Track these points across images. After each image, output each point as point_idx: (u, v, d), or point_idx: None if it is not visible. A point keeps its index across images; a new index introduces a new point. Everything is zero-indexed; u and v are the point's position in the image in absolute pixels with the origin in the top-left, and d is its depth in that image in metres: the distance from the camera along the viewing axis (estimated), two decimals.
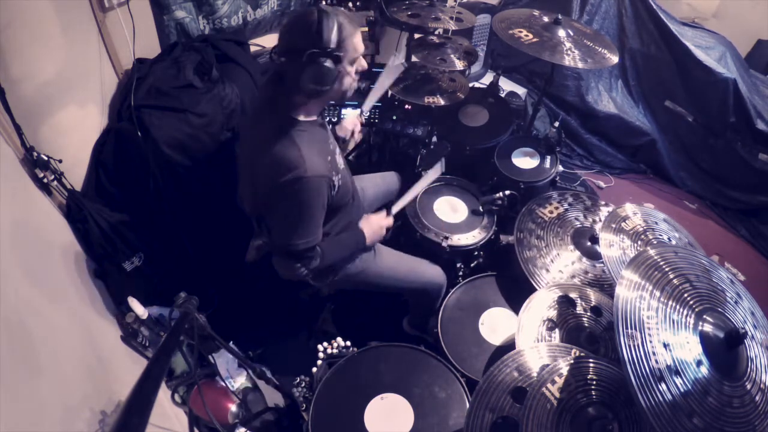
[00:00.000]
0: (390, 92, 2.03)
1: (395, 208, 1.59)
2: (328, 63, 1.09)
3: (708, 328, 0.95)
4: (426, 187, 1.76)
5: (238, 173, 1.44)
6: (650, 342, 0.89)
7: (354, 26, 1.15)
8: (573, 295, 1.35)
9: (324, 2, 2.05)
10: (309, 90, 1.13)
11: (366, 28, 2.04)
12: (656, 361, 0.87)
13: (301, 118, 1.21)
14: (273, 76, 1.23)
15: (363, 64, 1.23)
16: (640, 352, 0.87)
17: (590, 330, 1.29)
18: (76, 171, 1.42)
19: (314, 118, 1.26)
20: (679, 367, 0.88)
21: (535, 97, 2.91)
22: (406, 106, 2.13)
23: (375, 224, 1.47)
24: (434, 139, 2.15)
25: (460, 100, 1.99)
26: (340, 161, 1.34)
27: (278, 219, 1.23)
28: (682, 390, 0.86)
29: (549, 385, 1.02)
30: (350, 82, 1.22)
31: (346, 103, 1.99)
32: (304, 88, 1.12)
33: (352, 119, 1.68)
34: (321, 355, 1.44)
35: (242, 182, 1.42)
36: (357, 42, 1.16)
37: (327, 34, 1.08)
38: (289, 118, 1.19)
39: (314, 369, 1.40)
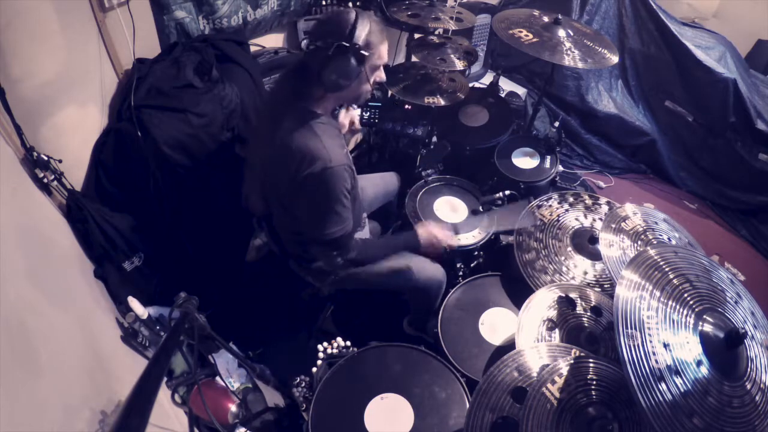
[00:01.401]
0: (390, 92, 2.03)
1: (462, 238, 1.57)
2: (353, 60, 1.13)
3: (708, 328, 0.95)
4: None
5: (243, 173, 1.44)
6: (650, 342, 0.89)
7: (384, 36, 1.20)
8: (573, 295, 1.35)
9: (324, 2, 2.05)
10: (329, 83, 1.15)
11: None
12: (656, 361, 0.87)
13: (319, 111, 1.23)
14: (295, 67, 1.25)
15: (382, 75, 1.26)
16: (640, 352, 0.87)
17: (590, 330, 1.29)
18: (76, 171, 1.42)
19: (329, 114, 1.29)
20: (679, 367, 0.88)
21: (535, 97, 2.92)
22: (406, 106, 2.13)
23: (436, 234, 1.48)
24: (434, 139, 2.15)
25: (460, 100, 1.99)
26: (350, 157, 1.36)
27: (310, 211, 1.25)
28: (682, 390, 0.86)
29: (549, 385, 1.02)
30: (367, 89, 1.25)
31: None
32: (325, 79, 1.15)
33: (344, 113, 1.69)
34: (321, 355, 1.44)
35: (249, 181, 1.42)
36: (383, 51, 1.20)
37: (359, 32, 1.12)
38: (308, 110, 1.22)
39: (314, 369, 1.40)
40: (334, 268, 1.35)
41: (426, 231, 1.48)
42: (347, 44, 1.12)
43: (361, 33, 1.13)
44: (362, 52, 1.13)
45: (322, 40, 1.15)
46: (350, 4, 2.14)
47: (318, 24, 1.23)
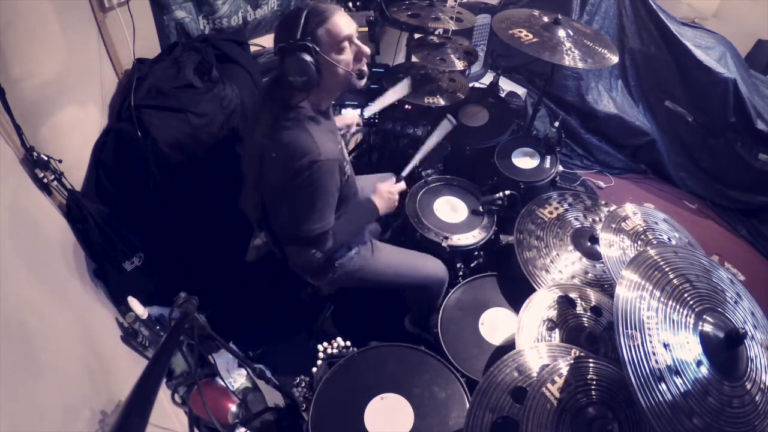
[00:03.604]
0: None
1: (404, 172, 1.60)
2: (302, 55, 1.10)
3: (708, 328, 0.95)
4: (435, 143, 1.71)
5: (242, 178, 1.43)
6: (650, 342, 0.89)
7: (331, 12, 1.13)
8: (573, 295, 1.35)
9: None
10: (296, 84, 1.13)
11: (365, 28, 2.04)
12: (656, 361, 0.87)
13: (309, 108, 1.22)
14: (277, 74, 1.24)
15: (364, 50, 1.21)
16: (640, 352, 0.87)
17: (590, 330, 1.29)
18: (76, 171, 1.42)
19: (323, 110, 1.27)
20: (679, 367, 0.88)
21: (535, 97, 2.92)
22: (406, 106, 2.13)
23: (385, 192, 1.47)
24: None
25: (460, 100, 1.99)
26: (346, 154, 1.35)
27: (292, 205, 1.23)
28: (682, 390, 0.86)
29: (549, 385, 1.02)
30: (344, 73, 1.19)
31: (347, 103, 1.99)
32: (292, 82, 1.13)
33: (352, 115, 1.68)
34: (321, 355, 1.44)
35: (246, 185, 1.41)
36: (333, 27, 1.13)
37: (294, 27, 1.10)
38: (298, 107, 1.20)
39: (314, 369, 1.40)
40: (311, 265, 1.32)
41: (377, 194, 1.47)
42: (284, 44, 1.11)
43: (296, 27, 1.10)
44: (303, 44, 1.10)
45: (277, 47, 1.15)
46: (350, 5, 2.14)
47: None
